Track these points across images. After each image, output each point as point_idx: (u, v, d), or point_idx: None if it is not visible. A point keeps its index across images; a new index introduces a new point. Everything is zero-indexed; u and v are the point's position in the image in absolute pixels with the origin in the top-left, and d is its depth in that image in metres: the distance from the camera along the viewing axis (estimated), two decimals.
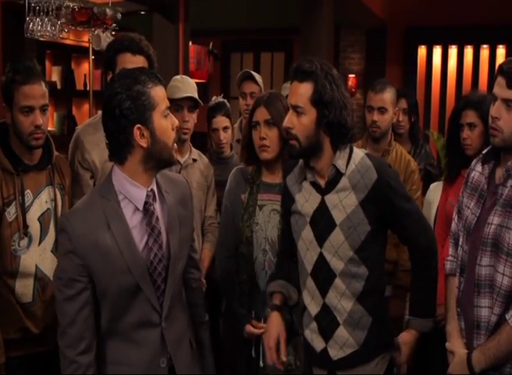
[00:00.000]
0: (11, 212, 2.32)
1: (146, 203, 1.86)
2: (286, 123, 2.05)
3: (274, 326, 2.16)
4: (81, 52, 6.74)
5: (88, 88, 6.58)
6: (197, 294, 2.20)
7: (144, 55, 2.54)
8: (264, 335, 2.19)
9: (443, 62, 7.26)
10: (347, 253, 2.04)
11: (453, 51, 7.21)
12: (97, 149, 2.48)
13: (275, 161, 2.46)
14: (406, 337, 2.14)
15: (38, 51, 6.09)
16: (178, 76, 3.12)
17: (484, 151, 2.12)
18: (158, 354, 1.89)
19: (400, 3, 7.18)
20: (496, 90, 1.97)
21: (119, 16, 4.88)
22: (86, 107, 7.01)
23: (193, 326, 2.11)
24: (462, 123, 2.74)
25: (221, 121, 3.36)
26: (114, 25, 4.92)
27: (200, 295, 2.23)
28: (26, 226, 2.34)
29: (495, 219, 1.96)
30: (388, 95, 3.28)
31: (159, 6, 4.90)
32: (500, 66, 1.98)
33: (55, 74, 6.99)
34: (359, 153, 2.11)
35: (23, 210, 2.34)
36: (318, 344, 2.12)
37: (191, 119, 2.99)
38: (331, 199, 2.06)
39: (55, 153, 2.47)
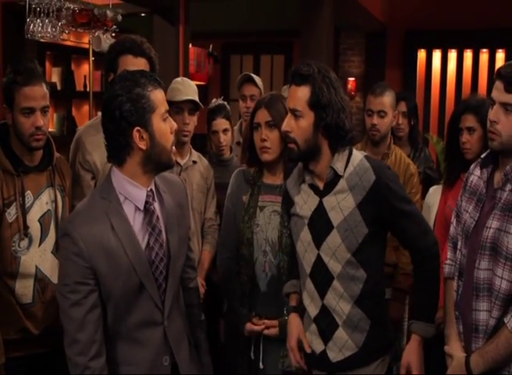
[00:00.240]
0: (11, 213, 2.33)
1: (146, 203, 1.87)
2: (285, 126, 2.07)
3: (294, 328, 2.19)
4: (81, 54, 6.75)
5: (88, 89, 6.60)
6: (193, 293, 2.21)
7: (145, 57, 2.54)
8: (288, 339, 2.19)
9: (443, 66, 7.27)
10: (344, 255, 2.05)
11: (452, 54, 7.22)
12: (98, 150, 2.48)
13: (276, 162, 2.46)
14: (411, 347, 2.08)
15: (38, 53, 6.07)
16: (179, 79, 3.12)
17: (482, 156, 2.12)
18: (161, 352, 1.90)
19: (399, 7, 7.20)
20: (495, 94, 1.97)
21: (120, 17, 4.89)
22: (86, 108, 7.02)
23: (190, 326, 2.11)
24: (461, 127, 2.73)
25: (221, 123, 3.36)
26: (114, 27, 4.94)
27: (196, 295, 2.24)
28: (26, 227, 2.34)
29: (493, 223, 1.96)
30: (387, 99, 3.28)
31: (159, 8, 4.89)
32: (498, 70, 1.98)
33: (55, 75, 6.99)
34: (358, 155, 2.11)
35: (24, 211, 2.34)
36: (317, 346, 2.13)
37: (191, 121, 2.99)
38: (329, 201, 2.07)
39: (56, 154, 2.48)
